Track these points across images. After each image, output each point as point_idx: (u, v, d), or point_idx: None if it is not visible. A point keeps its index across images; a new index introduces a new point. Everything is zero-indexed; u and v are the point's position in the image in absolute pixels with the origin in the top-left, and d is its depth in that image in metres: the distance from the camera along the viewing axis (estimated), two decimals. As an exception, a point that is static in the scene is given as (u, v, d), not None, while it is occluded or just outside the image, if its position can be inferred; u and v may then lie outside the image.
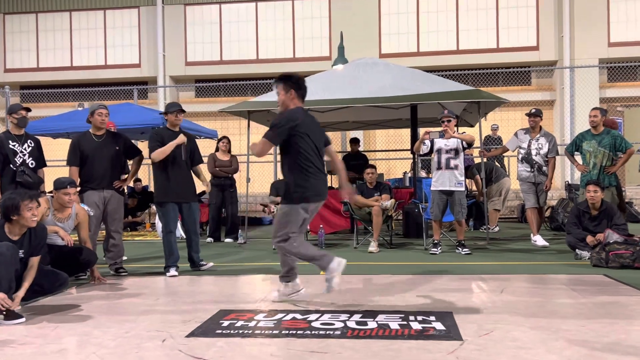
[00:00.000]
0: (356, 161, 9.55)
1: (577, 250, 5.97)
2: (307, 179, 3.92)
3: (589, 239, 5.83)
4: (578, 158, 7.12)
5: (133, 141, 8.04)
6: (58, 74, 16.13)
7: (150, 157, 5.47)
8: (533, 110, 7.15)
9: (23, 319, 3.61)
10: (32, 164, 5.47)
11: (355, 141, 10.10)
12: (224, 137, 8.63)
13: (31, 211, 3.93)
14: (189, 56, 15.82)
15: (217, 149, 8.59)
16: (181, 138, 5.43)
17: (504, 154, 10.68)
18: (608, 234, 5.68)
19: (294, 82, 4.01)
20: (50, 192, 5.04)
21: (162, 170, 5.42)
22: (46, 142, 9.04)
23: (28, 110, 5.47)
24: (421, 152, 6.77)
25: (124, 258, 6.35)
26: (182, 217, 5.61)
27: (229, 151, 8.57)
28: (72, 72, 16.12)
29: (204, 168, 8.21)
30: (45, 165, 5.69)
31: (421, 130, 9.03)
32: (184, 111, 5.57)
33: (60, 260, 4.77)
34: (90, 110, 5.48)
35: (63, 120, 9.62)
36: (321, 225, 7.68)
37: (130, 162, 5.91)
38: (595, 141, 6.75)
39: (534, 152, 7.07)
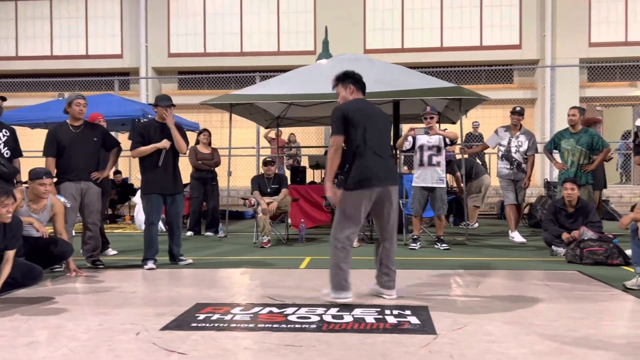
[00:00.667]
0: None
1: (553, 246, 6.06)
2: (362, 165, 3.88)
3: (565, 235, 5.92)
4: (557, 156, 7.22)
5: (113, 133, 7.96)
6: (37, 63, 15.86)
7: (130, 150, 5.42)
8: (518, 108, 7.22)
9: None
10: (7, 153, 5.35)
11: None
12: (205, 129, 8.57)
13: (6, 207, 3.87)
14: (172, 47, 15.67)
15: (197, 142, 8.52)
16: (164, 143, 5.35)
17: (485, 151, 10.78)
18: (583, 231, 5.77)
19: (351, 77, 4.15)
20: (26, 182, 4.96)
21: (148, 162, 5.37)
22: (24, 132, 8.89)
23: (3, 99, 5.36)
24: (404, 149, 6.80)
25: (114, 252, 6.34)
26: (166, 210, 5.55)
27: (210, 144, 8.52)
28: (52, 62, 15.86)
29: (186, 160, 8.17)
30: (21, 155, 5.59)
31: (404, 127, 9.08)
32: (174, 105, 5.53)
33: (35, 252, 4.69)
34: (68, 100, 5.39)
35: (41, 110, 9.47)
36: (302, 220, 7.67)
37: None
38: (574, 139, 6.84)
39: (513, 149, 7.14)
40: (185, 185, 8.37)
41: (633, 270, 4.37)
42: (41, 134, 6.69)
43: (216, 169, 8.51)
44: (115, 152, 5.69)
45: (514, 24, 14.89)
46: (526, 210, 9.35)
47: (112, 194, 10.22)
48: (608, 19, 14.54)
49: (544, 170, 13.53)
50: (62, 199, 5.08)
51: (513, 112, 7.20)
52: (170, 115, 5.48)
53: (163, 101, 5.46)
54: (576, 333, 3.04)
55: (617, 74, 14.75)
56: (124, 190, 10.54)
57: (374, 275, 4.10)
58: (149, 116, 8.02)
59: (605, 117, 14.49)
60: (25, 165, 5.75)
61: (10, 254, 3.99)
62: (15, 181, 5.31)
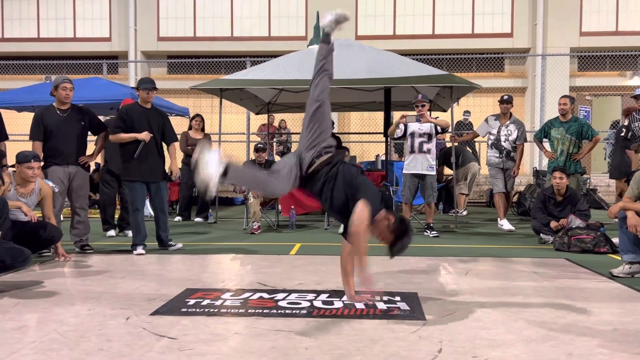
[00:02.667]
0: None
1: (541, 234, 6.12)
2: None
3: (553, 224, 5.98)
4: (547, 145, 7.26)
5: (101, 117, 7.86)
6: (24, 45, 15.58)
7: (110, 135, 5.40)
8: (505, 97, 7.23)
9: None
10: (-7, 137, 5.28)
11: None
12: (197, 115, 8.49)
13: None
14: (162, 31, 15.45)
15: (190, 127, 8.45)
16: (144, 135, 5.27)
17: (475, 140, 10.82)
18: (571, 219, 5.83)
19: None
20: (12, 166, 4.89)
21: (128, 149, 5.30)
22: (10, 116, 8.77)
23: (-11, 81, 5.27)
24: (395, 136, 6.80)
25: (112, 233, 6.53)
26: (150, 196, 5.53)
27: (203, 129, 8.45)
28: (39, 44, 15.59)
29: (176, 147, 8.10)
30: (6, 139, 5.50)
31: (395, 114, 9.07)
32: (156, 88, 5.44)
33: (23, 236, 4.64)
34: (54, 84, 5.30)
35: (28, 93, 9.32)
36: (292, 207, 7.67)
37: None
38: (563, 128, 6.88)
39: (503, 138, 7.17)
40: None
41: (620, 258, 4.42)
42: (28, 117, 6.59)
43: None
44: (103, 136, 5.62)
45: (505, 12, 14.86)
46: (515, 199, 9.41)
47: (96, 177, 10.14)
48: (599, 9, 14.57)
49: (533, 158, 13.61)
50: (50, 184, 5.02)
51: (501, 101, 7.21)
52: (152, 97, 5.41)
53: (145, 84, 5.39)
54: (563, 319, 3.08)
55: (607, 64, 14.81)
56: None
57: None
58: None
59: (594, 107, 14.59)
60: (12, 149, 5.67)
61: None
62: (1, 165, 5.24)
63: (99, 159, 6.86)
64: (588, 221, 5.86)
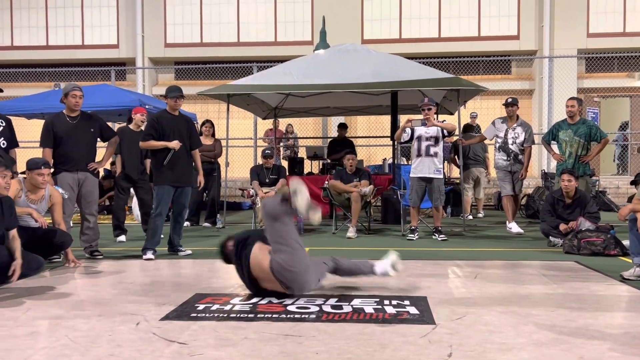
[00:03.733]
0: (342, 147, 9.51)
1: (550, 237, 6.08)
2: None
3: (562, 226, 5.94)
4: (555, 147, 7.23)
5: (110, 123, 7.93)
6: (33, 53, 15.74)
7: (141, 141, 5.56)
8: (509, 100, 7.21)
9: None
10: (3, 144, 5.33)
11: (342, 126, 10.04)
12: (207, 120, 8.51)
13: (5, 179, 3.85)
14: (169, 37, 15.56)
15: (200, 133, 8.48)
16: (175, 144, 5.38)
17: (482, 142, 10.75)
18: (580, 222, 5.80)
19: None
20: (23, 172, 4.94)
21: (159, 156, 5.40)
22: (20, 123, 8.86)
23: (0, 90, 5.33)
24: (402, 140, 6.80)
25: (123, 239, 6.59)
26: (173, 199, 5.55)
27: (213, 135, 8.48)
28: (48, 52, 15.75)
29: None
30: (17, 146, 5.57)
31: (402, 118, 9.06)
32: (183, 96, 5.56)
33: (33, 242, 4.68)
34: (64, 91, 5.36)
35: (38, 101, 9.41)
36: (300, 211, 7.67)
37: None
38: (572, 130, 6.85)
39: (510, 141, 7.15)
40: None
41: (630, 260, 4.39)
42: (37, 124, 6.66)
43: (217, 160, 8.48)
44: (112, 142, 5.67)
45: (512, 14, 14.84)
46: (524, 201, 9.37)
47: (107, 184, 10.23)
48: (606, 10, 14.50)
49: (541, 161, 13.56)
50: (60, 190, 5.06)
51: (506, 104, 7.19)
52: (179, 105, 5.54)
53: (173, 92, 5.52)
54: (574, 323, 3.06)
55: (615, 65, 14.74)
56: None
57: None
58: (146, 106, 7.97)
59: (603, 108, 14.51)
60: (22, 156, 5.73)
61: (14, 232, 4.00)
62: (12, 171, 5.29)
63: (118, 166, 6.92)
64: (598, 223, 5.83)
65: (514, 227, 7.15)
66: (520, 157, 7.14)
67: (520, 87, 14.79)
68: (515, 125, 7.18)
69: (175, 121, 5.52)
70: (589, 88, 14.60)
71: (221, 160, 8.54)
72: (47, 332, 2.95)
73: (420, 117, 6.68)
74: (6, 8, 15.96)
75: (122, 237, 6.67)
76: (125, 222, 6.91)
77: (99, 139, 5.59)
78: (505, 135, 7.18)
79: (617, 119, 14.00)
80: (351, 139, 10.20)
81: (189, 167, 5.61)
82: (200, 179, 5.81)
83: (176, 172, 5.44)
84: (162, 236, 5.74)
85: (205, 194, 8.49)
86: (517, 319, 3.14)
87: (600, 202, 9.85)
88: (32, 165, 4.69)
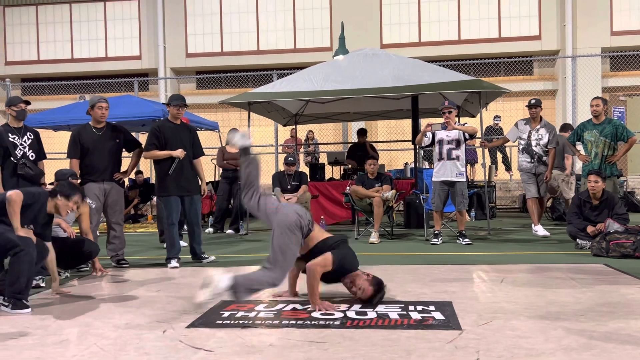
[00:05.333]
0: (362, 153, 9.50)
1: (577, 239, 5.97)
2: None
3: (590, 228, 5.83)
4: (580, 148, 7.10)
5: (134, 133, 8.05)
6: (59, 67, 16.13)
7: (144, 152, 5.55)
8: (533, 101, 7.12)
9: (29, 310, 3.64)
10: (32, 156, 5.47)
11: (361, 132, 10.04)
12: (234, 129, 8.58)
13: (76, 204, 4.06)
14: (190, 48, 15.79)
15: (227, 142, 8.55)
16: (179, 153, 5.38)
17: (505, 145, 10.66)
18: (609, 224, 5.67)
19: None
20: (51, 183, 5.05)
21: (163, 165, 5.43)
22: (47, 135, 9.06)
23: (27, 103, 5.47)
24: (423, 145, 6.76)
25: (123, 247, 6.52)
26: (184, 209, 5.61)
27: None
28: (73, 65, 16.12)
29: (206, 161, 8.26)
30: (45, 158, 5.70)
31: (423, 122, 9.02)
32: (186, 105, 5.57)
33: (62, 251, 4.77)
34: (91, 103, 5.47)
35: (64, 113, 9.62)
36: (322, 217, 7.69)
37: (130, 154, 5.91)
38: (597, 131, 6.72)
39: (533, 142, 7.05)
40: (207, 183, 8.48)
41: (662, 262, 4.28)
42: (64, 136, 6.82)
43: None
44: (137, 152, 5.76)
45: (533, 14, 14.66)
46: (549, 204, 9.22)
47: (132, 194, 10.39)
48: (631, 6, 14.22)
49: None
50: (87, 200, 5.16)
51: (529, 106, 7.10)
52: (182, 113, 5.54)
53: (175, 100, 5.52)
54: (604, 327, 2.99)
55: (641, 63, 14.43)
56: (146, 190, 10.67)
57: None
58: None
59: (629, 107, 14.20)
60: (50, 167, 5.87)
61: (49, 244, 4.15)
62: (40, 183, 5.43)
63: (153, 177, 7.06)
64: (627, 225, 5.70)
65: (540, 230, 7.04)
66: (544, 158, 7.04)
67: (543, 88, 14.59)
68: (538, 126, 7.08)
69: (177, 130, 5.50)
70: (614, 87, 14.32)
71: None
72: (76, 340, 3.00)
73: (441, 120, 6.64)
74: (32, 23, 16.40)
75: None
76: (151, 230, 7.00)
77: (124, 150, 5.68)
78: (529, 137, 7.08)
79: (645, 117, 13.68)
80: (372, 144, 10.18)
81: (193, 175, 5.58)
82: (204, 187, 5.76)
83: (181, 182, 5.42)
84: (185, 244, 5.80)
85: (231, 202, 8.56)
86: (545, 324, 3.08)
87: (629, 203, 9.64)
88: (61, 176, 4.80)
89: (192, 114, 10.55)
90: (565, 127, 8.84)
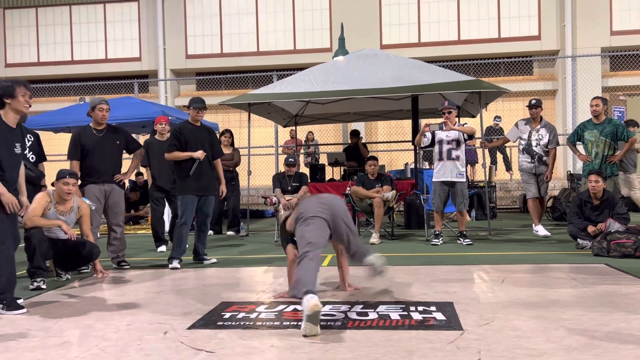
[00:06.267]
0: (356, 152, 9.52)
1: (578, 239, 5.97)
2: None
3: (590, 228, 5.83)
4: (581, 148, 7.10)
5: (134, 135, 8.06)
6: (59, 69, 16.14)
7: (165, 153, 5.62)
8: (533, 101, 7.13)
9: (24, 310, 3.65)
10: (32, 158, 5.48)
11: (353, 134, 10.04)
12: (226, 130, 8.62)
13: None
14: (190, 49, 15.79)
15: (219, 143, 8.56)
16: (199, 154, 5.46)
17: (506, 145, 10.65)
18: (609, 223, 5.67)
19: None
20: (53, 184, 5.05)
21: (184, 166, 5.47)
22: (47, 137, 9.07)
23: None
24: (422, 145, 6.76)
25: (163, 249, 6.62)
26: (197, 209, 5.61)
27: (232, 144, 8.57)
28: (73, 67, 16.13)
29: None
30: (45, 160, 5.71)
31: (422, 122, 9.01)
32: (205, 108, 5.64)
33: (63, 253, 4.80)
34: (91, 105, 5.48)
35: (64, 115, 9.62)
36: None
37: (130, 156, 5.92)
38: (597, 130, 6.73)
39: (534, 142, 7.05)
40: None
41: (663, 262, 4.27)
42: (64, 138, 6.83)
43: (237, 169, 8.56)
44: (138, 154, 5.76)
45: (532, 14, 14.66)
46: (550, 203, 9.22)
47: (133, 196, 10.39)
48: (630, 6, 14.22)
49: (566, 162, 13.32)
50: (87, 202, 5.16)
51: (530, 106, 7.10)
52: (201, 116, 5.62)
53: (195, 103, 5.61)
54: (606, 327, 2.99)
55: (641, 62, 14.43)
56: (146, 191, 10.66)
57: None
58: (169, 117, 8.09)
59: (629, 107, 14.19)
60: (50, 169, 5.87)
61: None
62: (40, 185, 5.43)
63: (149, 178, 7.05)
64: (628, 225, 5.70)
65: (540, 230, 7.04)
66: (544, 158, 7.04)
67: (543, 88, 14.59)
68: (539, 126, 7.08)
69: (197, 131, 5.60)
70: (615, 86, 14.32)
71: (240, 169, 8.61)
72: (77, 342, 3.00)
73: (440, 120, 6.64)
74: (32, 25, 16.41)
75: (163, 248, 6.77)
76: (151, 231, 6.99)
77: (124, 151, 5.69)
78: (529, 137, 7.09)
79: (645, 117, 13.66)
80: (367, 145, 10.18)
81: (212, 176, 5.68)
82: (223, 188, 5.85)
83: (201, 182, 5.51)
84: (187, 246, 5.80)
85: (225, 203, 8.57)
86: (546, 324, 3.08)
87: (629, 203, 9.62)
88: (59, 175, 4.81)
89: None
90: (630, 123, 8.28)
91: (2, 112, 3.76)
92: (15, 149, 3.79)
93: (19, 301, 3.77)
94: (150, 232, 7.03)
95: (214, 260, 5.75)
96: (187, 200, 5.47)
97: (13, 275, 3.76)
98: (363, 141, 10.52)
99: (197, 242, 5.70)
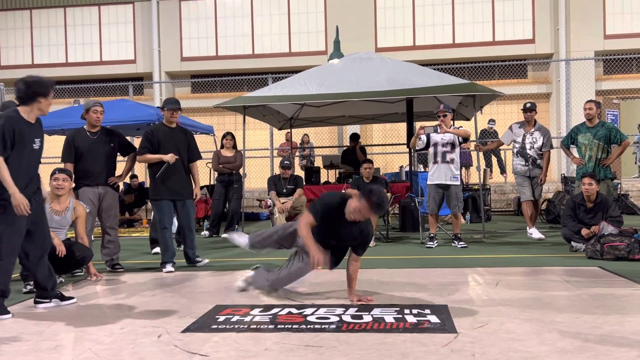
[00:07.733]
0: (352, 156, 9.53)
1: (572, 242, 5.99)
2: None
3: (584, 231, 5.85)
4: (574, 151, 7.14)
5: (129, 137, 8.02)
6: (53, 71, 16.05)
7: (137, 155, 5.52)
8: (528, 105, 7.16)
9: (10, 315, 3.63)
10: (27, 161, 5.43)
11: (353, 137, 10.04)
12: (228, 133, 8.56)
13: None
14: (185, 51, 15.78)
15: (222, 146, 8.55)
16: (170, 157, 5.34)
17: (500, 148, 10.70)
18: (603, 226, 5.70)
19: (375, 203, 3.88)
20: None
21: (155, 169, 5.41)
22: (41, 139, 9.01)
23: (21, 107, 5.43)
24: (417, 148, 6.78)
25: (158, 251, 6.40)
26: (177, 214, 5.59)
27: (234, 147, 8.52)
28: (67, 69, 16.07)
29: (201, 164, 8.24)
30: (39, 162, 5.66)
31: (418, 125, 9.03)
32: (180, 109, 5.54)
33: (55, 257, 4.75)
34: (85, 107, 5.46)
35: (58, 117, 9.55)
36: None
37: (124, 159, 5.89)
38: (591, 134, 6.76)
39: (528, 146, 7.08)
40: (202, 187, 8.46)
41: (655, 265, 4.30)
42: (58, 140, 6.79)
43: (239, 171, 8.53)
44: (132, 157, 5.74)
45: (526, 17, 14.74)
46: (544, 206, 9.25)
47: (127, 199, 10.35)
48: (623, 10, 14.32)
49: (560, 165, 13.39)
50: (82, 204, 5.14)
51: (524, 110, 7.14)
52: (176, 117, 5.50)
53: (169, 104, 5.50)
54: (599, 330, 3.01)
55: (634, 66, 14.54)
56: (141, 194, 10.64)
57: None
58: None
59: (622, 110, 14.29)
60: (44, 171, 5.81)
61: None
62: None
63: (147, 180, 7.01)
64: (621, 227, 5.73)
65: (534, 233, 7.06)
66: (538, 161, 7.07)
67: (537, 91, 14.66)
68: (532, 130, 7.12)
69: (172, 133, 5.48)
70: (608, 90, 14.40)
71: (241, 171, 8.59)
72: (71, 346, 2.99)
73: (434, 123, 6.66)
74: (26, 27, 16.35)
75: (158, 249, 6.67)
76: (145, 234, 6.96)
77: (118, 154, 5.66)
78: (523, 140, 7.11)
79: (638, 120, 13.75)
80: (363, 147, 10.18)
81: (186, 180, 5.54)
82: (197, 191, 5.70)
83: (172, 186, 5.39)
84: (180, 248, 5.78)
85: (226, 205, 8.54)
86: (540, 327, 3.09)
87: (623, 206, 9.68)
88: (52, 172, 4.79)
89: (187, 117, 10.54)
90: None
91: (27, 109, 3.74)
92: (34, 145, 3.78)
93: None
94: (145, 234, 6.99)
95: (207, 260, 5.73)
96: (161, 205, 5.39)
97: (7, 288, 3.73)
98: (360, 145, 10.51)
99: (186, 248, 5.66)
